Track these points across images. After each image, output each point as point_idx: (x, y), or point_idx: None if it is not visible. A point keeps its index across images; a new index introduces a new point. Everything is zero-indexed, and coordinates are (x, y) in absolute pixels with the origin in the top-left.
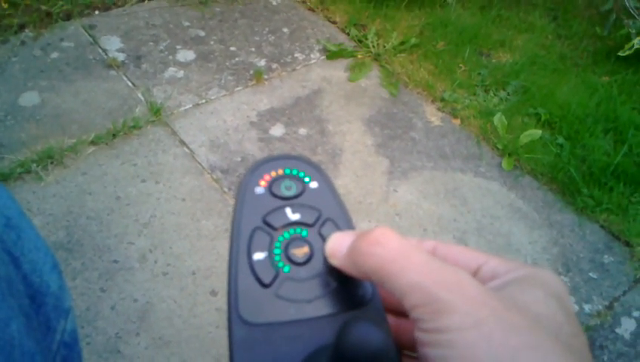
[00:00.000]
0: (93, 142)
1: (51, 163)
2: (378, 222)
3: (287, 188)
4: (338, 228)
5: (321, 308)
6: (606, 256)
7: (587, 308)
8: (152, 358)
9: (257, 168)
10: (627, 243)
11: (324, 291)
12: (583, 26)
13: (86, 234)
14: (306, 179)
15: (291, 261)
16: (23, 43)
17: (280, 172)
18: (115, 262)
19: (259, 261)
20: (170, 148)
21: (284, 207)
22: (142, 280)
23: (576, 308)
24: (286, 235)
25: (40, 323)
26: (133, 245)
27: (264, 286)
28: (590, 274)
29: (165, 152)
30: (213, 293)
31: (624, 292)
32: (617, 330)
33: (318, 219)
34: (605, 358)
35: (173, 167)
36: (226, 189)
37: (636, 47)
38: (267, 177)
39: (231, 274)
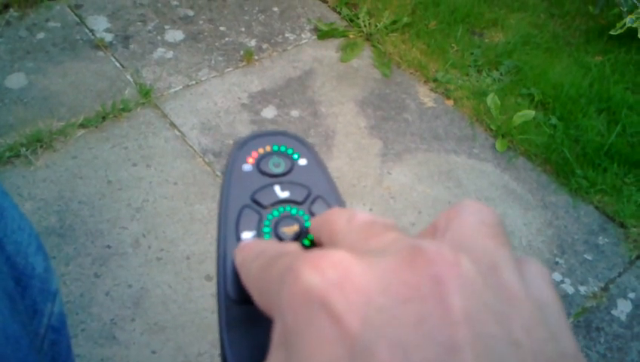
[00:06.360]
0: (82, 125)
1: (41, 146)
2: (373, 205)
3: (276, 166)
4: (328, 205)
5: None
6: (601, 238)
7: (583, 289)
8: (148, 344)
9: (244, 145)
10: (622, 225)
11: None
12: (575, 5)
13: (78, 220)
14: (295, 156)
15: (281, 239)
16: (8, 23)
17: (268, 148)
18: (109, 247)
19: (248, 240)
20: (161, 131)
21: (272, 184)
22: (136, 265)
23: (572, 289)
24: (275, 213)
25: (26, 306)
26: (126, 230)
27: None
28: (585, 255)
29: (156, 135)
30: (208, 278)
31: (619, 274)
32: (613, 312)
33: (307, 197)
34: (602, 340)
35: (164, 150)
36: (218, 173)
37: (628, 25)
38: (255, 154)
39: (219, 253)
